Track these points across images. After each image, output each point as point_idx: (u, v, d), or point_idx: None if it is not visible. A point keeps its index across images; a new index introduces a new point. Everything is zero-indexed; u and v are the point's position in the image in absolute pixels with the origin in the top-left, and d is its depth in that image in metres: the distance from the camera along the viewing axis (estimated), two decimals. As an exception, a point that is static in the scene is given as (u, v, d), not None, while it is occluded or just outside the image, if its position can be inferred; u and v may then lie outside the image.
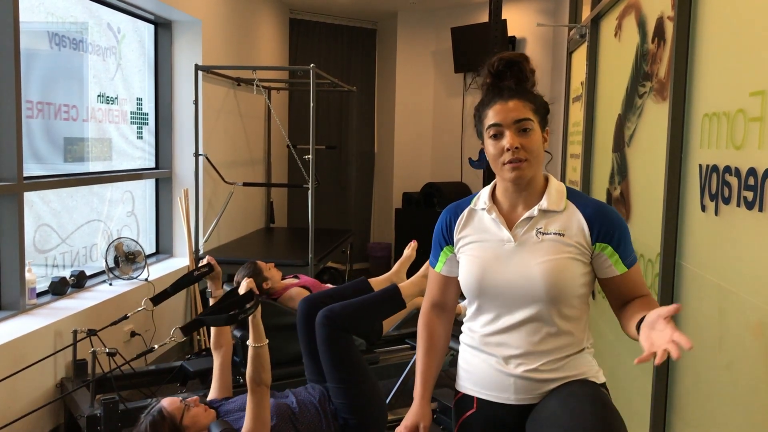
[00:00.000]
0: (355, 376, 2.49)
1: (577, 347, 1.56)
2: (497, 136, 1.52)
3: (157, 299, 2.76)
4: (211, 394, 2.56)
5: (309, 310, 2.67)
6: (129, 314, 2.97)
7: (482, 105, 1.58)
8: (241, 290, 2.36)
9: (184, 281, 2.84)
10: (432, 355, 1.70)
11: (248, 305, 2.24)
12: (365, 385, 2.51)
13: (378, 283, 2.98)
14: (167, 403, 2.16)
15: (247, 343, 2.22)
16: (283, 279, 3.46)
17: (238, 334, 3.17)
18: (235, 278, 3.37)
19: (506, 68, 1.57)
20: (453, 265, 1.66)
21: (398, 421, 3.04)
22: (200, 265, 2.82)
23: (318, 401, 2.46)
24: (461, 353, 1.68)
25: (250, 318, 2.22)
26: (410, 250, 3.31)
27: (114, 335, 3.51)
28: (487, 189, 1.65)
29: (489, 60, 1.59)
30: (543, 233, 1.53)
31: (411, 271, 3.09)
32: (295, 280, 3.50)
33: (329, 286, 3.59)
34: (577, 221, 1.52)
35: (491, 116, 1.53)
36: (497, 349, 1.56)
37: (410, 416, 1.66)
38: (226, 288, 3.60)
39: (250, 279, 2.41)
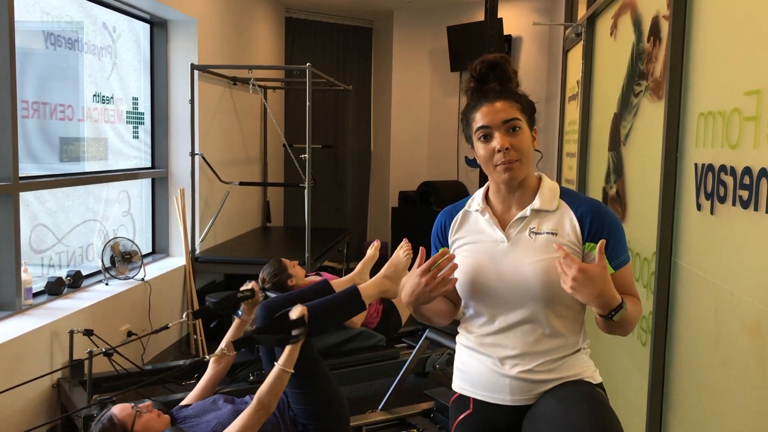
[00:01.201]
0: (313, 381, 2.43)
1: (573, 348, 1.56)
2: (486, 138, 1.52)
3: (198, 313, 2.73)
4: (186, 400, 2.53)
5: (268, 314, 2.61)
6: (170, 324, 2.97)
7: (469, 109, 1.58)
8: (294, 315, 2.34)
9: (227, 301, 2.82)
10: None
11: (298, 332, 2.27)
12: (324, 389, 2.45)
13: (340, 284, 2.94)
14: (118, 409, 2.12)
15: (276, 363, 2.22)
16: (306, 276, 3.48)
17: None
18: (260, 275, 3.37)
19: (489, 70, 1.57)
20: None
21: (393, 420, 3.04)
22: (244, 288, 2.80)
23: (277, 407, 2.41)
24: (457, 354, 1.68)
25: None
26: (373, 249, 3.27)
27: (110, 336, 3.51)
28: (481, 191, 1.66)
29: (471, 64, 1.60)
30: (536, 233, 1.53)
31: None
32: (318, 277, 3.52)
33: None
34: (569, 220, 1.52)
35: (479, 119, 1.53)
36: (493, 350, 1.56)
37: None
38: (252, 283, 3.61)
39: (304, 306, 2.39)
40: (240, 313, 2.76)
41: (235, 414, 2.29)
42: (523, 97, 1.57)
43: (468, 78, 1.61)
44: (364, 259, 3.24)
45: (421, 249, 1.56)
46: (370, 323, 3.50)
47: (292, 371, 2.23)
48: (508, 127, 1.50)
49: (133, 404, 2.17)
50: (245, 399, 2.48)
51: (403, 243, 2.98)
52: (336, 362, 3.28)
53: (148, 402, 2.24)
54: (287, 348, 2.25)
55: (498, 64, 1.57)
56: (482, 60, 1.58)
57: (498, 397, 1.56)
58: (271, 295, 3.21)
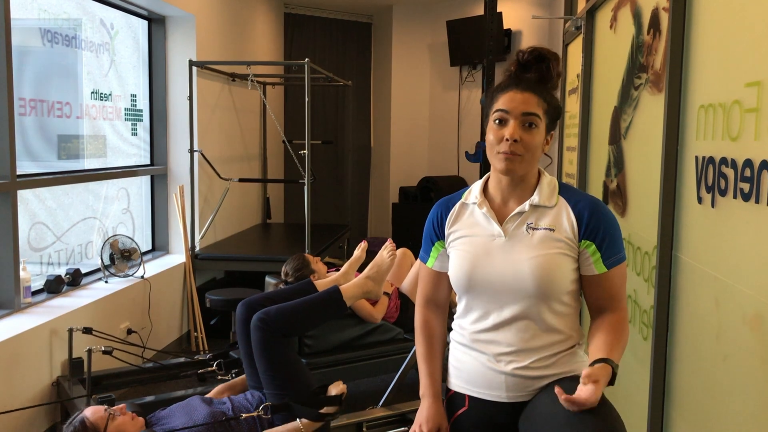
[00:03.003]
0: (291, 383, 2.41)
1: (569, 344, 1.55)
2: (501, 123, 1.51)
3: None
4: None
5: (247, 313, 2.59)
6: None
7: (498, 88, 1.56)
8: (333, 391, 2.34)
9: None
10: (434, 354, 1.68)
11: (332, 410, 2.31)
12: (303, 393, 2.43)
13: (325, 285, 2.93)
14: (90, 412, 2.10)
15: (299, 420, 2.25)
16: (327, 272, 3.49)
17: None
18: (282, 269, 3.37)
19: (535, 61, 1.55)
20: (445, 261, 1.65)
21: (394, 416, 3.03)
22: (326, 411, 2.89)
23: (255, 408, 2.40)
24: (451, 350, 1.66)
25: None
26: (360, 251, 3.26)
27: (110, 333, 3.50)
28: (479, 183, 1.64)
29: (521, 48, 1.58)
30: (533, 228, 1.52)
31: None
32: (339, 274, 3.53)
33: None
34: (567, 217, 1.51)
35: (501, 101, 1.51)
36: (488, 347, 1.55)
37: (429, 420, 1.60)
38: (270, 279, 3.61)
39: (344, 385, 2.38)
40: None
41: (212, 416, 2.26)
42: (553, 99, 1.55)
43: (512, 60, 1.59)
44: (350, 260, 3.24)
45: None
46: (390, 318, 3.53)
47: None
48: (525, 120, 1.49)
49: (106, 407, 2.15)
50: (223, 400, 2.45)
51: (387, 243, 2.96)
52: (354, 355, 3.32)
53: (122, 404, 2.21)
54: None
55: (546, 59, 1.55)
56: (533, 48, 1.56)
57: (494, 394, 1.55)
58: None
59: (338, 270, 3.62)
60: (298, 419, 2.24)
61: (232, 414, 2.33)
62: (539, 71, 1.54)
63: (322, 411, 2.25)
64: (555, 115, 1.55)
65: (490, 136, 1.52)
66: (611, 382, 1.40)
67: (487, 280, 1.52)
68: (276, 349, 2.43)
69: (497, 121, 1.51)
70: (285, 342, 2.46)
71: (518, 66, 1.56)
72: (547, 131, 1.53)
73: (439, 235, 1.65)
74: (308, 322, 2.64)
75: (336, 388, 2.32)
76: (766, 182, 1.38)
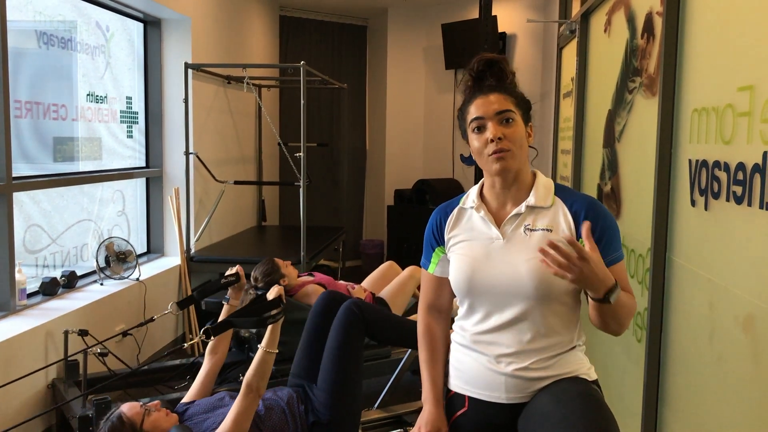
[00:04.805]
0: (350, 370, 2.45)
1: (568, 345, 1.56)
2: (480, 129, 1.53)
3: (183, 303, 2.74)
4: (187, 397, 2.53)
5: (330, 303, 2.66)
6: (156, 317, 2.94)
7: (464, 103, 1.60)
8: (270, 296, 2.33)
9: (210, 287, 2.81)
10: (436, 360, 1.70)
11: (275, 311, 2.24)
12: (355, 383, 2.47)
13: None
14: (127, 408, 2.13)
15: (259, 345, 2.21)
16: (298, 276, 3.48)
17: (254, 330, 3.19)
18: (252, 274, 3.37)
19: (486, 68, 1.59)
20: (446, 266, 1.66)
21: (390, 418, 3.04)
22: (228, 273, 2.79)
23: (286, 403, 2.41)
24: (453, 352, 1.68)
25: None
26: None
27: (105, 335, 3.50)
28: (476, 188, 1.66)
29: (469, 62, 1.61)
30: (531, 230, 1.53)
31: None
32: (311, 278, 3.52)
33: (343, 282, 3.61)
34: (563, 217, 1.52)
35: (473, 111, 1.54)
36: (488, 348, 1.56)
37: (429, 424, 1.63)
38: (237, 267, 3.62)
39: (281, 287, 2.39)
40: (228, 298, 2.76)
41: None
42: (518, 93, 1.58)
43: (466, 77, 1.61)
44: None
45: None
46: None
47: (276, 351, 2.22)
48: (502, 118, 1.51)
49: (141, 403, 2.17)
50: None
51: None
52: None
53: (156, 401, 2.24)
54: (269, 329, 2.24)
55: (496, 62, 1.59)
56: (480, 58, 1.59)
57: (493, 395, 1.56)
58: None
59: (311, 275, 3.60)
60: (258, 347, 2.24)
61: (261, 408, 2.34)
62: (494, 75, 1.58)
63: (275, 313, 2.24)
64: (526, 106, 1.58)
65: (475, 144, 1.55)
66: (607, 299, 1.38)
67: (486, 284, 1.53)
68: (354, 334, 2.50)
69: (476, 129, 1.54)
70: (362, 331, 2.53)
71: (473, 79, 1.59)
72: (525, 123, 1.56)
73: (439, 241, 1.66)
74: (389, 333, 2.71)
75: (272, 293, 2.33)
76: (759, 185, 1.39)
